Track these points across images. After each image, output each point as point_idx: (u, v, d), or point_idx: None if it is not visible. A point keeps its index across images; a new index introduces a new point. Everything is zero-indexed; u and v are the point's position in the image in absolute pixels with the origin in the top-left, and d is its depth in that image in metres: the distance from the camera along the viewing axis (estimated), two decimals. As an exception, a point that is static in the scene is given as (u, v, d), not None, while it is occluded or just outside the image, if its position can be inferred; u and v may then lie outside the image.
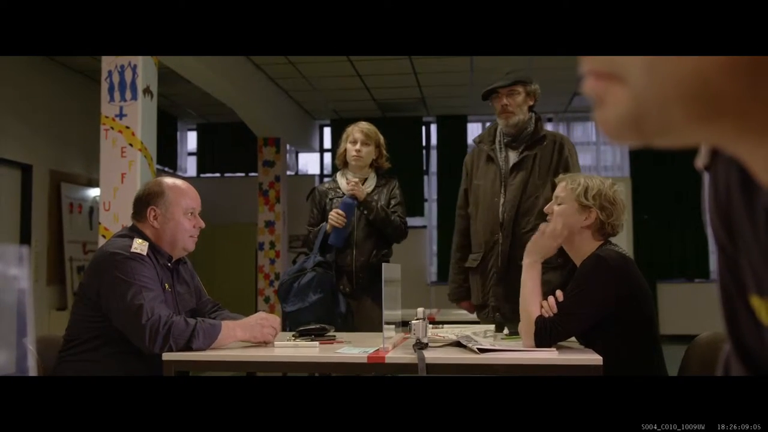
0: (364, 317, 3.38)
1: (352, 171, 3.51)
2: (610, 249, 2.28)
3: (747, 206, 0.49)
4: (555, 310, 2.23)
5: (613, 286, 2.18)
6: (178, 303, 2.49)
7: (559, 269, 3.07)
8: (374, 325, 3.27)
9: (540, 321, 2.22)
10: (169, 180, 2.56)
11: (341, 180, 3.52)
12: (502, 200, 3.17)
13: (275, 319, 2.47)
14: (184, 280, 2.60)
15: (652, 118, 0.39)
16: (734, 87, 0.36)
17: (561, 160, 3.15)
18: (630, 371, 2.16)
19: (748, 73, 0.35)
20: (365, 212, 3.42)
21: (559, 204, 2.36)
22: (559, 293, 2.27)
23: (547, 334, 2.20)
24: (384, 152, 3.52)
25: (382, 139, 3.53)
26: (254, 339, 2.39)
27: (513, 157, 3.21)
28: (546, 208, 2.43)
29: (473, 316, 3.49)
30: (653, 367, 2.25)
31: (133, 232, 2.46)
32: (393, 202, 3.50)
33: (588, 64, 0.41)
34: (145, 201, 2.48)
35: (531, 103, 3.21)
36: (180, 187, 2.53)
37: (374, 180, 3.52)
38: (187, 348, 2.24)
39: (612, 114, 0.40)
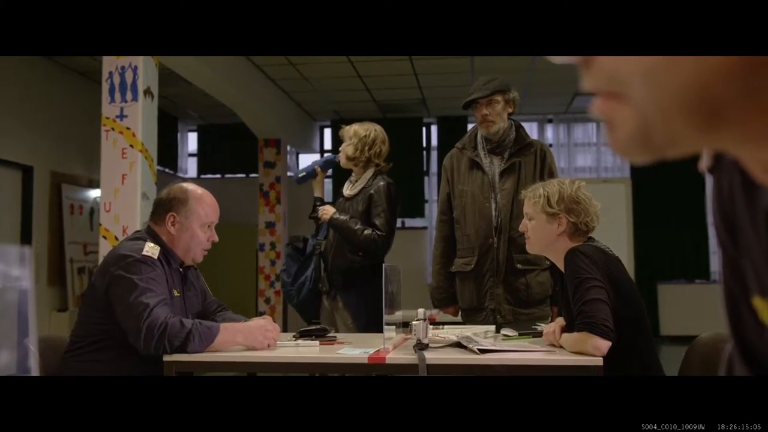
0: (337, 319, 3.39)
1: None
2: (583, 244, 2.30)
3: (749, 208, 0.49)
4: (559, 337, 2.26)
5: (595, 267, 2.18)
6: (187, 307, 2.51)
7: (548, 270, 3.24)
8: (346, 326, 3.28)
9: (586, 325, 2.10)
10: (194, 189, 2.56)
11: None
12: (494, 205, 3.24)
13: (276, 328, 2.46)
14: (192, 284, 2.63)
15: (657, 131, 0.39)
16: (731, 93, 0.36)
17: (545, 166, 3.27)
18: (619, 358, 2.14)
19: (743, 79, 0.35)
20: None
21: (530, 220, 2.39)
22: (553, 328, 2.32)
23: (603, 325, 2.08)
24: (367, 146, 3.38)
25: (363, 133, 3.39)
26: (254, 347, 2.35)
27: (498, 162, 3.29)
28: (520, 227, 2.46)
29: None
30: (642, 355, 2.23)
31: (148, 234, 2.48)
32: (375, 209, 3.31)
33: (590, 83, 0.41)
34: (167, 206, 2.49)
35: (510, 110, 3.29)
36: (203, 199, 2.54)
37: (364, 182, 3.42)
38: (183, 350, 2.23)
39: (621, 134, 0.41)
